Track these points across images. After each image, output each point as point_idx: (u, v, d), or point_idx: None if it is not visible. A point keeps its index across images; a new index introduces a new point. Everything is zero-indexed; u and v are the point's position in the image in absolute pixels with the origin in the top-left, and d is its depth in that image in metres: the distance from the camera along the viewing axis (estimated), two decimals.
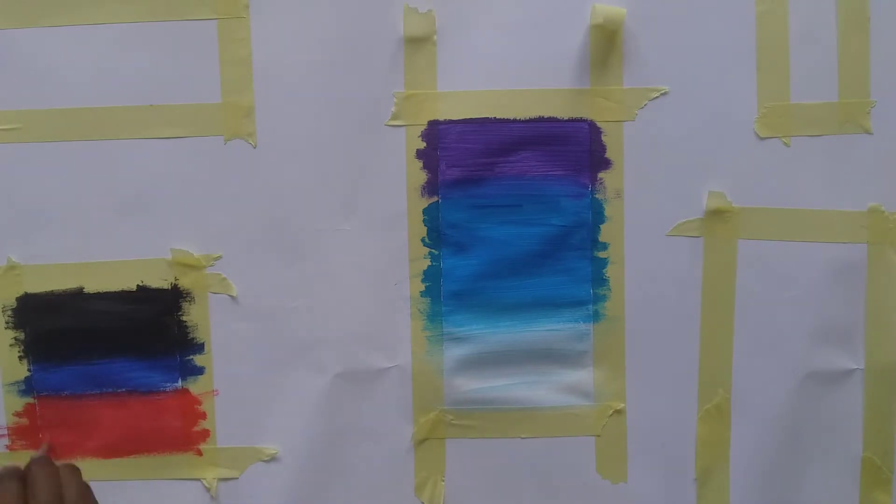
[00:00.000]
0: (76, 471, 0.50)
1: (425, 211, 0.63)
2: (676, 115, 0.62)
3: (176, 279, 0.63)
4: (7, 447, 0.64)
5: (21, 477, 0.48)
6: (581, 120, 0.63)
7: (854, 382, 0.64)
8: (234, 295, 0.63)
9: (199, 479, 0.64)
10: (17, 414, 0.63)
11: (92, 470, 0.64)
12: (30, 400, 0.63)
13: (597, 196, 0.63)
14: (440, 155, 0.63)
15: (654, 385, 0.64)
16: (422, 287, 0.63)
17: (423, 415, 0.64)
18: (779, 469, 0.65)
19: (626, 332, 0.64)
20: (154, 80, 0.61)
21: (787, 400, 0.64)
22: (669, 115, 0.62)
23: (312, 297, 0.63)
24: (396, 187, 0.63)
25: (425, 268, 0.63)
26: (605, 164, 0.63)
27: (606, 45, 0.62)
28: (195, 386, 0.63)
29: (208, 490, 0.64)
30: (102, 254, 0.62)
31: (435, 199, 0.63)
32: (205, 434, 0.64)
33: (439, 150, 0.63)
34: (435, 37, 0.62)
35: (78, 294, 0.62)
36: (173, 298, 0.63)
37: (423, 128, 0.62)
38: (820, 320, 0.64)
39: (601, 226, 0.63)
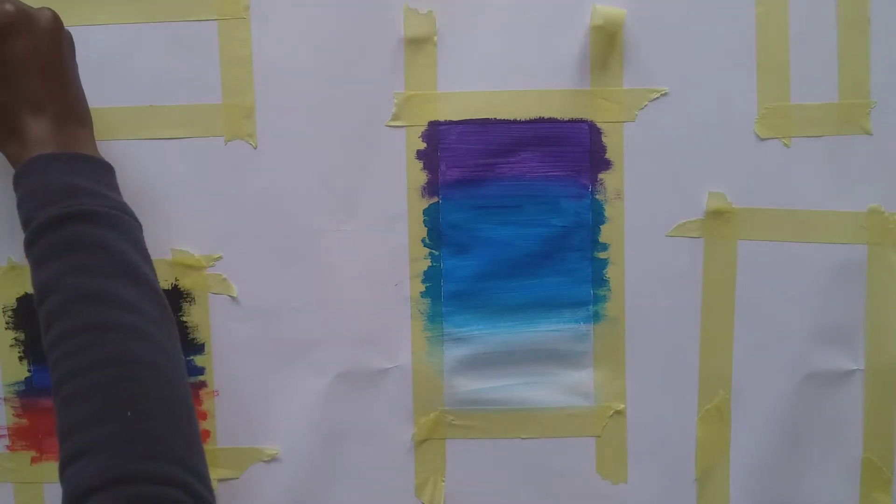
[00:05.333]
0: None
1: (426, 211, 0.63)
2: (676, 116, 0.62)
3: (176, 280, 0.63)
4: (7, 447, 0.64)
5: None
6: (581, 121, 0.63)
7: (854, 383, 0.64)
8: (235, 295, 0.63)
9: None
10: (18, 414, 0.63)
11: None
12: (30, 401, 0.63)
13: (597, 197, 0.63)
14: (440, 155, 0.63)
15: (654, 385, 0.64)
16: (422, 287, 0.63)
17: (424, 415, 0.64)
18: (779, 469, 0.65)
19: (626, 333, 0.64)
20: (155, 80, 0.61)
21: (787, 400, 0.64)
22: (669, 115, 0.62)
23: (312, 298, 0.63)
24: (397, 188, 0.63)
25: (426, 268, 0.63)
26: (606, 164, 0.63)
27: (606, 46, 0.62)
28: (195, 386, 0.63)
29: None
30: None
31: (435, 199, 0.63)
32: (205, 434, 0.64)
33: (440, 151, 0.63)
34: (435, 37, 0.62)
35: None
36: (174, 299, 0.63)
37: (423, 128, 0.62)
38: (820, 321, 0.64)
39: (601, 226, 0.63)
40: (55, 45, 0.49)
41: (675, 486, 0.65)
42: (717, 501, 0.65)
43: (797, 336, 0.64)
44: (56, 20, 0.50)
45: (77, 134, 0.48)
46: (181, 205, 0.62)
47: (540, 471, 0.65)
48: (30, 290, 0.62)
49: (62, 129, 0.47)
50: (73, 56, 0.52)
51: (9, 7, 0.47)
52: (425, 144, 0.63)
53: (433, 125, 0.62)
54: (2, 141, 0.48)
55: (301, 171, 0.62)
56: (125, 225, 0.46)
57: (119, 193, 0.48)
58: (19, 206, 0.45)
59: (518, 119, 0.62)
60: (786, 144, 0.63)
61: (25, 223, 0.45)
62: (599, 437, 0.65)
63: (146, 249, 0.47)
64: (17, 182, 0.46)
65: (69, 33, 0.52)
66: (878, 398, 0.64)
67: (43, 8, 0.50)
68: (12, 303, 0.63)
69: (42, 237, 0.43)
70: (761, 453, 0.65)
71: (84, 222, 0.43)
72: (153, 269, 0.47)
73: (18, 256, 0.62)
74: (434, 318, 0.64)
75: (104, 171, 0.48)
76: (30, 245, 0.44)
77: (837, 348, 0.64)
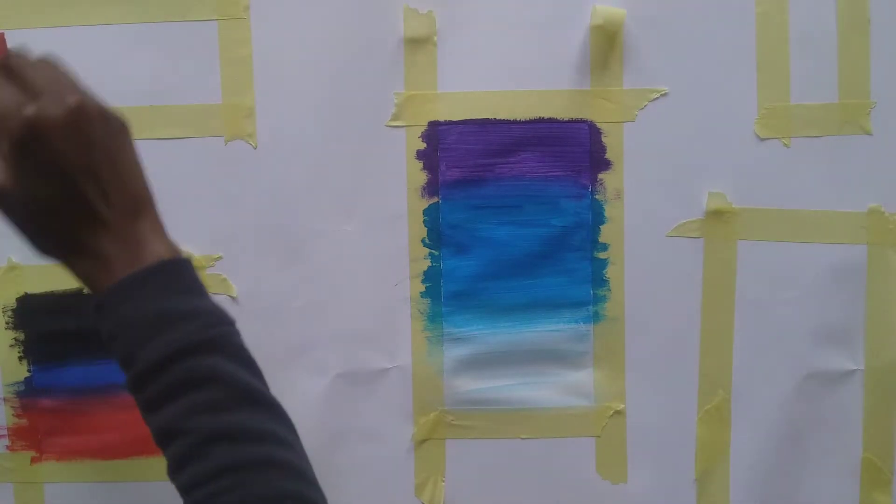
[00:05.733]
0: (48, 57, 0.43)
1: (425, 211, 0.63)
2: (676, 116, 0.62)
3: None
4: (7, 447, 0.63)
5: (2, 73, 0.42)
6: (581, 121, 0.63)
7: (854, 383, 0.64)
8: (235, 295, 0.63)
9: None
10: (17, 414, 0.63)
11: (92, 471, 0.64)
12: (30, 401, 0.63)
13: (597, 197, 0.63)
14: (440, 156, 0.63)
15: (654, 385, 0.64)
16: (422, 288, 0.63)
17: (424, 415, 0.64)
18: (779, 469, 0.65)
19: (626, 333, 0.64)
20: (155, 80, 0.61)
21: (787, 400, 0.64)
22: (669, 115, 0.62)
23: (312, 298, 0.63)
24: (397, 188, 0.63)
25: (425, 268, 0.63)
26: (605, 164, 0.63)
27: (606, 46, 0.62)
28: None
29: None
30: None
31: (435, 199, 0.63)
32: None
33: (439, 151, 0.63)
34: (435, 37, 0.62)
35: (78, 294, 0.62)
36: None
37: (423, 128, 0.62)
38: (820, 321, 0.64)
39: (601, 227, 0.63)
40: (90, 144, 0.41)
41: (675, 486, 0.65)
42: (717, 501, 0.65)
43: (797, 336, 0.64)
44: (79, 112, 0.41)
45: (146, 231, 0.43)
46: (181, 205, 0.62)
47: (540, 471, 0.65)
48: (30, 290, 0.63)
49: (130, 234, 0.43)
50: (122, 142, 0.44)
51: (29, 112, 0.40)
52: (425, 144, 0.63)
53: (433, 125, 0.62)
54: (69, 261, 0.43)
55: (301, 171, 0.62)
56: (226, 340, 0.44)
57: (203, 287, 0.44)
58: (108, 341, 0.42)
59: (518, 119, 0.62)
60: (786, 144, 0.63)
61: (124, 363, 0.42)
62: (599, 437, 0.65)
63: (250, 355, 0.45)
64: (99, 315, 0.42)
65: (116, 118, 0.44)
66: (878, 398, 0.64)
67: (68, 99, 0.41)
68: (12, 303, 0.63)
69: (150, 381, 0.41)
70: (761, 453, 0.65)
71: (190, 356, 0.41)
72: (262, 376, 0.45)
73: (18, 256, 0.62)
74: (434, 318, 0.64)
75: (184, 272, 0.44)
76: (136, 388, 0.42)
77: (837, 348, 0.64)
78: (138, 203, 0.44)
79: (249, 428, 0.42)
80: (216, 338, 0.43)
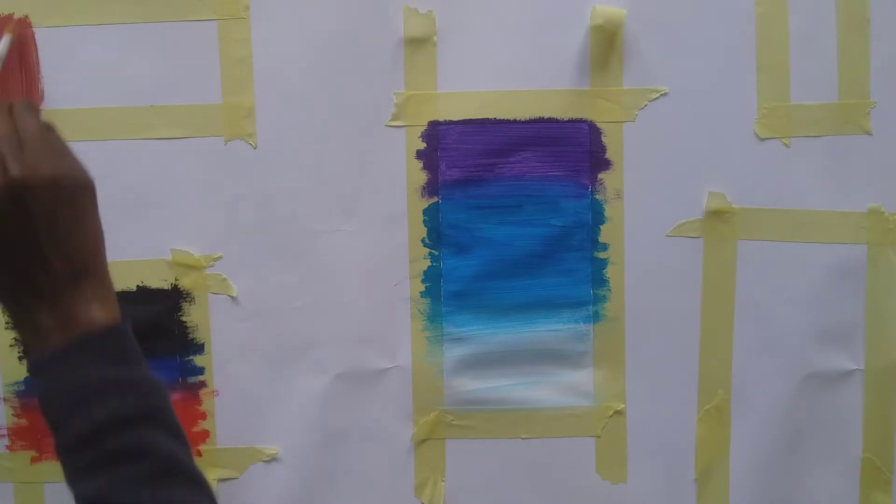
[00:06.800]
0: (31, 106, 0.43)
1: (425, 211, 0.63)
2: (676, 116, 0.62)
3: (176, 280, 0.63)
4: (7, 447, 0.63)
5: None
6: (581, 121, 0.63)
7: (854, 383, 0.64)
8: (234, 295, 0.63)
9: None
10: (17, 414, 0.63)
11: None
12: (30, 400, 0.63)
13: (597, 197, 0.63)
14: (440, 155, 0.63)
15: (654, 385, 0.64)
16: (422, 287, 0.63)
17: (423, 415, 0.64)
18: (779, 469, 0.65)
19: (626, 333, 0.64)
20: (155, 80, 0.61)
21: (787, 400, 0.64)
22: (669, 115, 0.62)
23: (312, 298, 0.63)
24: (397, 188, 0.63)
25: (425, 268, 0.63)
26: (605, 164, 0.63)
27: (606, 45, 0.62)
28: (195, 386, 0.63)
29: None
30: None
31: (435, 199, 0.63)
32: (205, 434, 0.64)
33: (439, 151, 0.63)
34: (435, 37, 0.62)
35: None
36: (173, 299, 0.63)
37: (423, 128, 0.62)
38: (820, 320, 0.64)
39: (601, 226, 0.63)
40: (30, 217, 0.40)
41: (675, 486, 0.65)
42: (716, 501, 0.65)
43: (797, 336, 0.64)
44: (13, 191, 0.40)
45: (85, 297, 0.42)
46: (181, 205, 0.62)
47: (540, 471, 0.65)
48: None
49: (65, 302, 0.41)
50: (80, 205, 0.42)
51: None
52: (425, 144, 0.63)
53: (433, 125, 0.62)
54: (20, 330, 0.43)
55: (301, 171, 0.62)
56: (159, 412, 0.43)
57: (139, 354, 0.43)
58: (41, 404, 0.42)
59: (518, 119, 0.62)
60: (786, 144, 0.63)
61: (54, 428, 0.41)
62: (599, 437, 0.65)
63: (180, 427, 0.44)
64: (34, 380, 0.43)
65: (80, 181, 0.42)
66: (878, 398, 0.64)
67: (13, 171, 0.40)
68: None
69: (79, 450, 0.40)
70: (761, 453, 0.65)
71: (121, 428, 0.41)
72: (189, 448, 0.44)
73: None
74: (434, 318, 0.64)
75: (119, 340, 0.43)
76: (65, 454, 0.41)
77: (837, 348, 0.64)
78: (81, 267, 0.42)
79: (177, 502, 0.41)
80: (148, 410, 0.42)
